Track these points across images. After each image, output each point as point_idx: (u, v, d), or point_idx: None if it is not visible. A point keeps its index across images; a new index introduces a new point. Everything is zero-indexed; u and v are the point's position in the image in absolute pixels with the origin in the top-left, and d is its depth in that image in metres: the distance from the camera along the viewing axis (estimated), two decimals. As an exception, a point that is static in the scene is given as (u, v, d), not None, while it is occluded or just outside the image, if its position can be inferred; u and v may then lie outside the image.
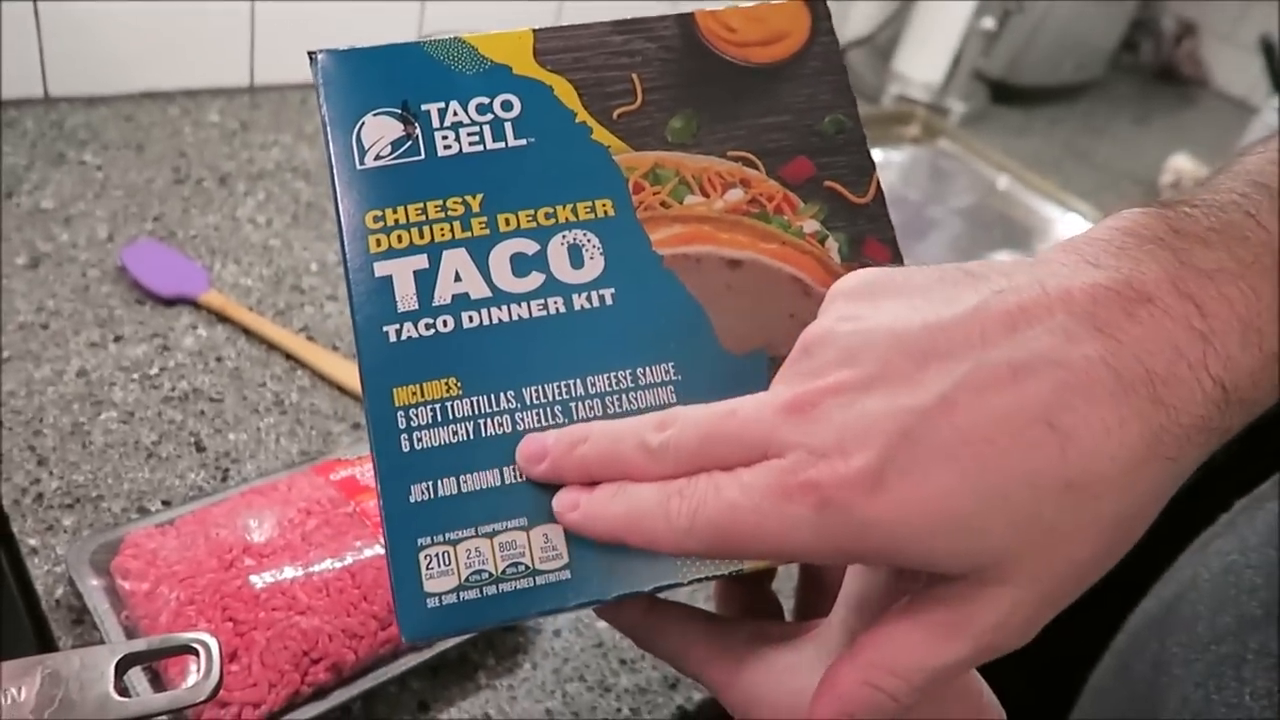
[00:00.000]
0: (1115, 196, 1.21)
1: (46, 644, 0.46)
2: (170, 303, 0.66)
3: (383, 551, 0.48)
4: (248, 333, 0.65)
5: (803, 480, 0.24)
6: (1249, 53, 1.35)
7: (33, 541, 0.50)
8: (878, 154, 1.19)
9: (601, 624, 0.53)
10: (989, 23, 1.21)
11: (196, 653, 0.32)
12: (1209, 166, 1.19)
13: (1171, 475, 0.24)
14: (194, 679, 0.33)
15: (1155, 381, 0.23)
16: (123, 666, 0.31)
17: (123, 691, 0.31)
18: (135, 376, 0.60)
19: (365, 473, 0.52)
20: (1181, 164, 1.17)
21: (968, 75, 1.26)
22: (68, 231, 0.69)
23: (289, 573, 0.46)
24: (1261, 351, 0.24)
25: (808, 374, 0.26)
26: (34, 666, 0.30)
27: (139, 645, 0.32)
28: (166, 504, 0.53)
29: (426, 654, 0.47)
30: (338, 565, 0.47)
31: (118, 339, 0.62)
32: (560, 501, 0.30)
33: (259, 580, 0.45)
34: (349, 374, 0.63)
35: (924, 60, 1.25)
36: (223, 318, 0.66)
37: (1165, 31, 1.60)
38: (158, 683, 0.43)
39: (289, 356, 0.64)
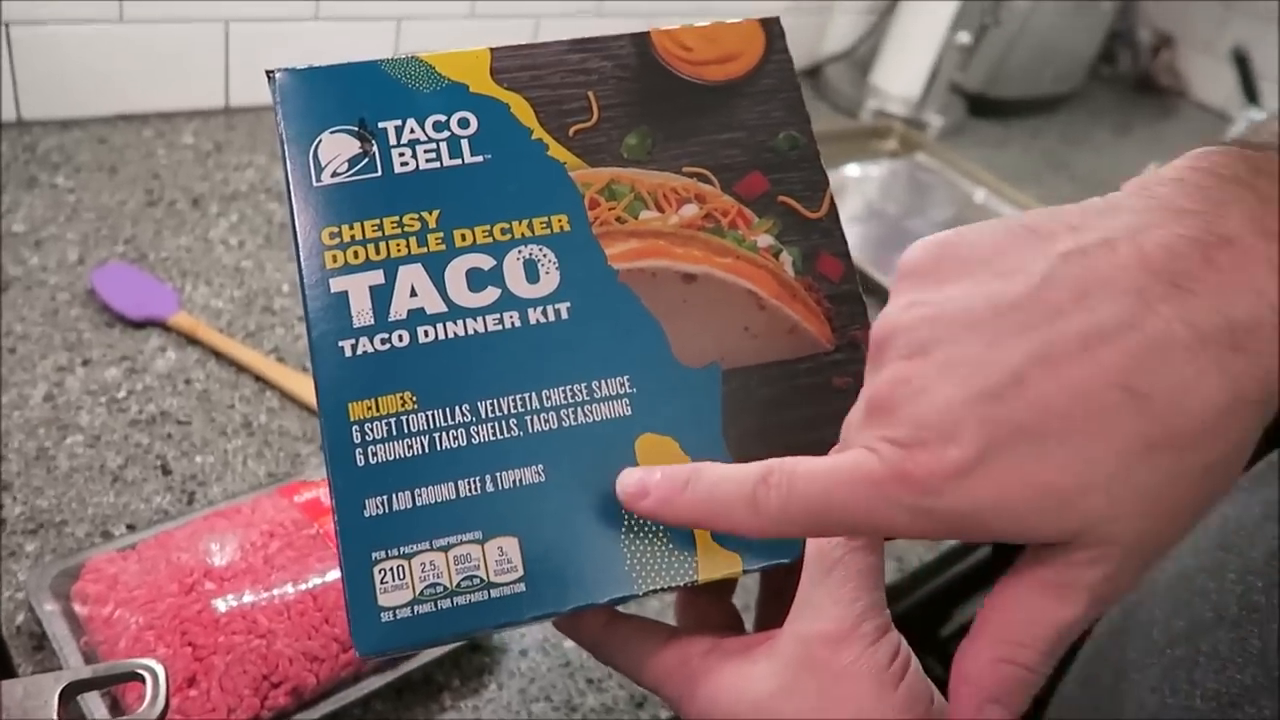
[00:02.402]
0: (1093, 207, 1.22)
1: (6, 670, 0.46)
2: (140, 325, 0.66)
3: (345, 573, 0.48)
4: (217, 355, 0.65)
5: (894, 470, 0.25)
6: (1226, 63, 1.36)
7: (-5, 567, 0.50)
8: (856, 168, 1.20)
9: (569, 644, 0.53)
10: (965, 37, 1.22)
11: (144, 679, 0.32)
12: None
13: (1259, 417, 0.24)
14: (143, 706, 0.33)
15: (1235, 329, 0.23)
16: (68, 694, 0.31)
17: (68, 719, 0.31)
18: (103, 400, 0.60)
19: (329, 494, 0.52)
20: (1158, 175, 1.18)
21: (945, 89, 1.26)
22: (38, 255, 0.69)
23: (250, 596, 0.46)
24: None
25: (883, 370, 0.26)
26: (-24, 696, 0.30)
27: (84, 673, 0.32)
28: (131, 528, 0.53)
29: (390, 675, 0.47)
30: (300, 588, 0.47)
31: (86, 362, 0.62)
32: (626, 489, 0.30)
33: (220, 604, 0.45)
34: (318, 395, 0.63)
35: (902, 74, 1.26)
36: (192, 340, 0.66)
37: (1142, 43, 1.61)
38: (116, 709, 0.43)
39: (258, 378, 0.64)
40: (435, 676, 0.50)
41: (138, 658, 0.42)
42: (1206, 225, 0.23)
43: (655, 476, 0.30)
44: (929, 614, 0.77)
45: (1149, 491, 0.23)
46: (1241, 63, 1.27)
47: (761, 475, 0.27)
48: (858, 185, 1.17)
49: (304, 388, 0.63)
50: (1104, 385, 0.23)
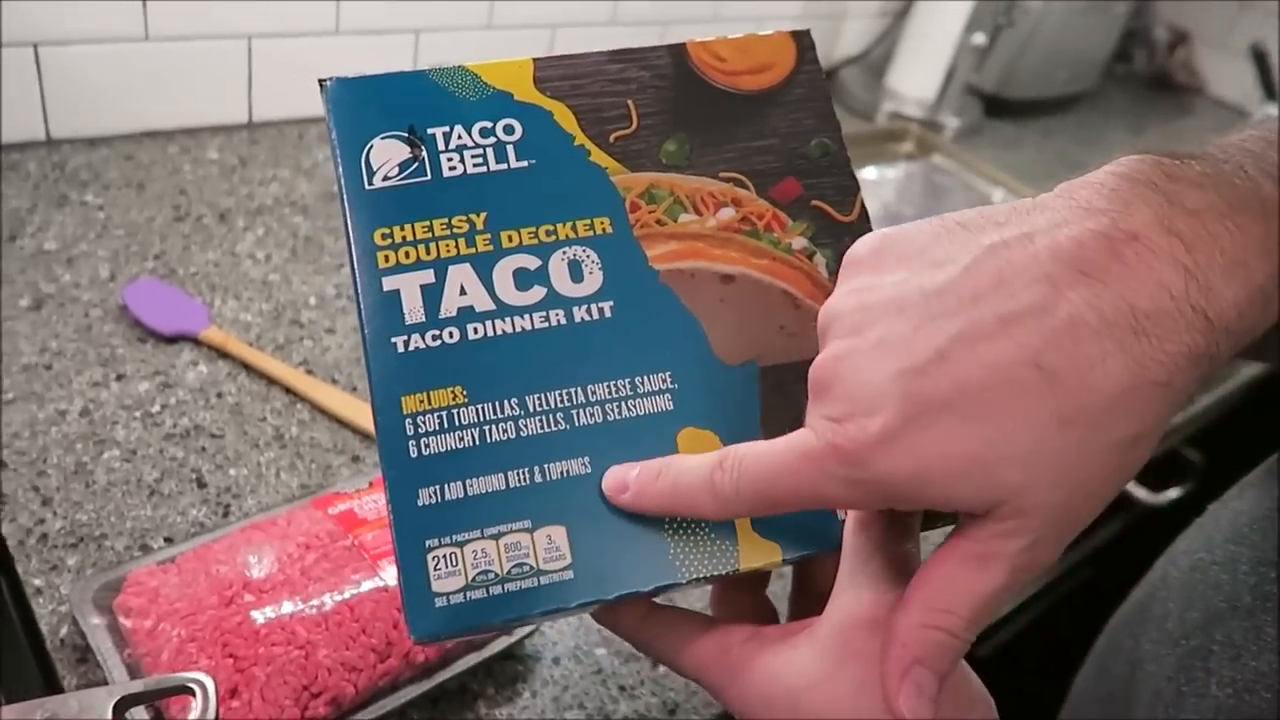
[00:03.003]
0: (1111, 207, 1.21)
1: (51, 683, 0.47)
2: (171, 340, 0.67)
3: (381, 585, 0.48)
4: (248, 368, 0.66)
5: (826, 445, 0.27)
6: (1243, 59, 1.36)
7: (38, 582, 0.50)
8: (872, 171, 1.20)
9: (601, 651, 0.54)
10: (980, 38, 1.22)
11: (194, 692, 0.33)
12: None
13: (1165, 399, 0.26)
14: (193, 717, 0.34)
15: (1138, 315, 0.25)
16: (121, 707, 0.32)
17: (122, 732, 0.32)
18: (137, 414, 0.61)
19: (363, 506, 0.53)
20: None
21: (960, 90, 1.27)
22: (70, 272, 0.70)
23: (288, 608, 0.47)
24: (1247, 284, 0.26)
25: (824, 352, 0.29)
26: (34, 710, 0.31)
27: (136, 687, 0.33)
28: (169, 541, 0.54)
29: (426, 685, 0.48)
30: (336, 599, 0.48)
31: (120, 377, 0.63)
32: (610, 485, 0.32)
33: (259, 616, 0.46)
34: (348, 407, 0.64)
35: (917, 77, 1.26)
36: (223, 354, 0.67)
37: (1158, 40, 1.61)
38: (160, 719, 0.44)
39: (289, 390, 0.65)
40: (470, 685, 0.51)
41: (182, 670, 0.43)
42: (1114, 222, 0.26)
43: (633, 473, 0.32)
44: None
45: (1063, 464, 0.25)
46: (1260, 59, 1.27)
47: (717, 460, 0.30)
48: (874, 188, 1.18)
49: (333, 400, 0.64)
50: (1019, 363, 0.25)
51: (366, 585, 0.48)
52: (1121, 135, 1.44)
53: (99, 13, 0.79)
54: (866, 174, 1.17)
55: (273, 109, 0.92)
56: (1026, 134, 1.35)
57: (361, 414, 0.63)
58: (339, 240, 0.80)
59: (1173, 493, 0.85)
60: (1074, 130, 1.40)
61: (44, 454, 0.57)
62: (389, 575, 0.49)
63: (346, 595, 0.48)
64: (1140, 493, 0.91)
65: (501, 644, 0.50)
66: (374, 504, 0.53)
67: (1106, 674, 0.45)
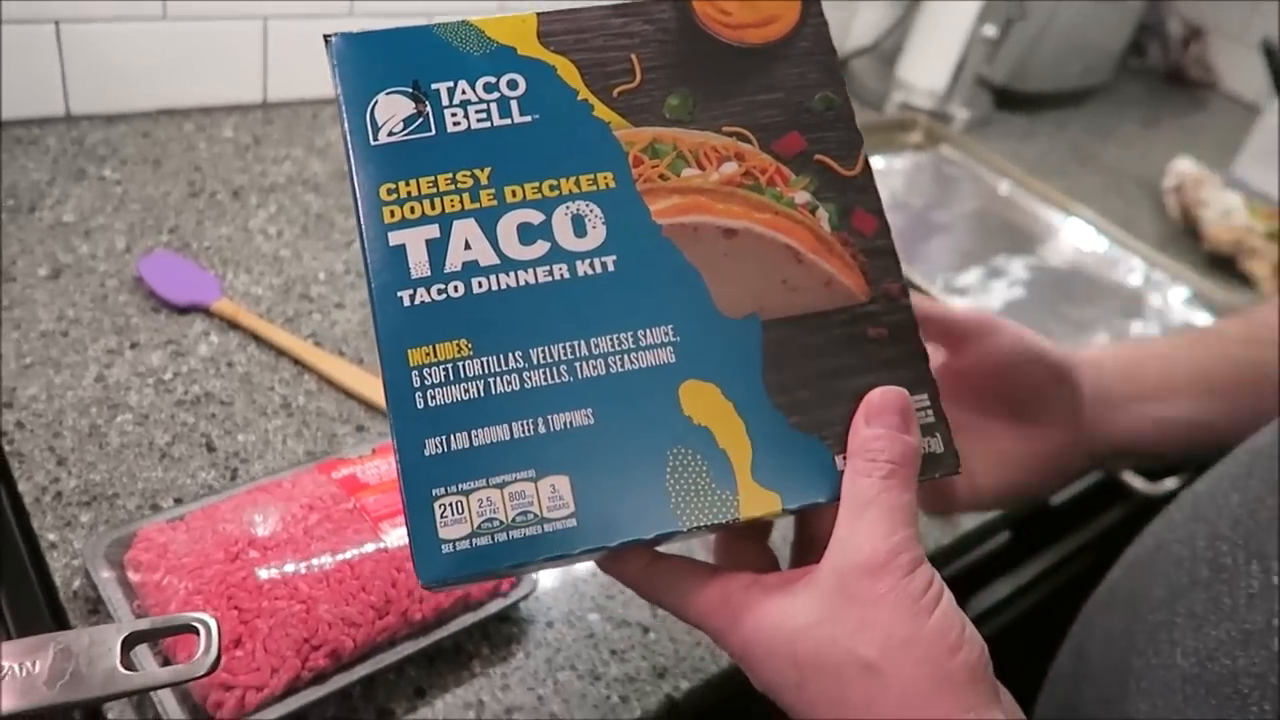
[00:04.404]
0: (1120, 199, 1.22)
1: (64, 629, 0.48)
2: (184, 311, 0.68)
3: (381, 546, 0.50)
4: (257, 339, 0.68)
5: None
6: (1257, 55, 1.36)
7: (52, 536, 0.52)
8: (880, 161, 1.20)
9: (593, 616, 0.55)
10: (991, 31, 1.22)
11: (197, 631, 0.35)
12: (1214, 170, 1.20)
13: None
14: (197, 655, 0.35)
15: None
16: (129, 644, 0.34)
17: (129, 667, 0.34)
18: (150, 381, 0.63)
19: (366, 471, 0.55)
20: (1184, 167, 1.18)
21: (971, 82, 1.27)
22: (87, 244, 0.72)
23: (291, 565, 0.48)
24: None
25: None
26: (47, 643, 0.33)
27: (143, 624, 0.34)
28: (178, 501, 0.56)
29: (423, 642, 0.49)
30: (338, 558, 0.49)
31: (134, 346, 0.65)
32: None
33: (263, 572, 0.48)
34: (354, 378, 0.65)
35: (927, 68, 1.27)
36: (234, 325, 0.68)
37: (1172, 35, 1.61)
38: (166, 666, 0.45)
39: (297, 361, 0.67)
40: (465, 645, 0.52)
41: (187, 619, 0.45)
42: None
43: None
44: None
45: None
46: (1271, 55, 1.27)
47: None
48: (883, 178, 1.18)
49: (340, 371, 0.66)
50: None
51: (367, 546, 0.50)
52: (1134, 128, 1.44)
53: (119, -8, 0.81)
54: (874, 163, 1.17)
55: (287, 89, 0.94)
56: (1037, 126, 1.35)
57: (367, 385, 0.65)
58: (349, 218, 0.82)
59: (1169, 483, 0.86)
60: (1086, 123, 1.41)
61: (60, 417, 0.59)
62: (389, 537, 0.51)
63: (348, 555, 0.49)
64: (1138, 483, 0.92)
65: (497, 605, 0.52)
66: (376, 469, 0.55)
67: (1081, 653, 0.46)
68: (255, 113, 0.92)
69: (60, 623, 0.49)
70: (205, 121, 0.89)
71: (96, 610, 0.49)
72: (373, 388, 0.65)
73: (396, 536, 0.51)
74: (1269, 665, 0.33)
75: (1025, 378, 0.48)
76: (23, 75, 0.80)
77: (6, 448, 0.56)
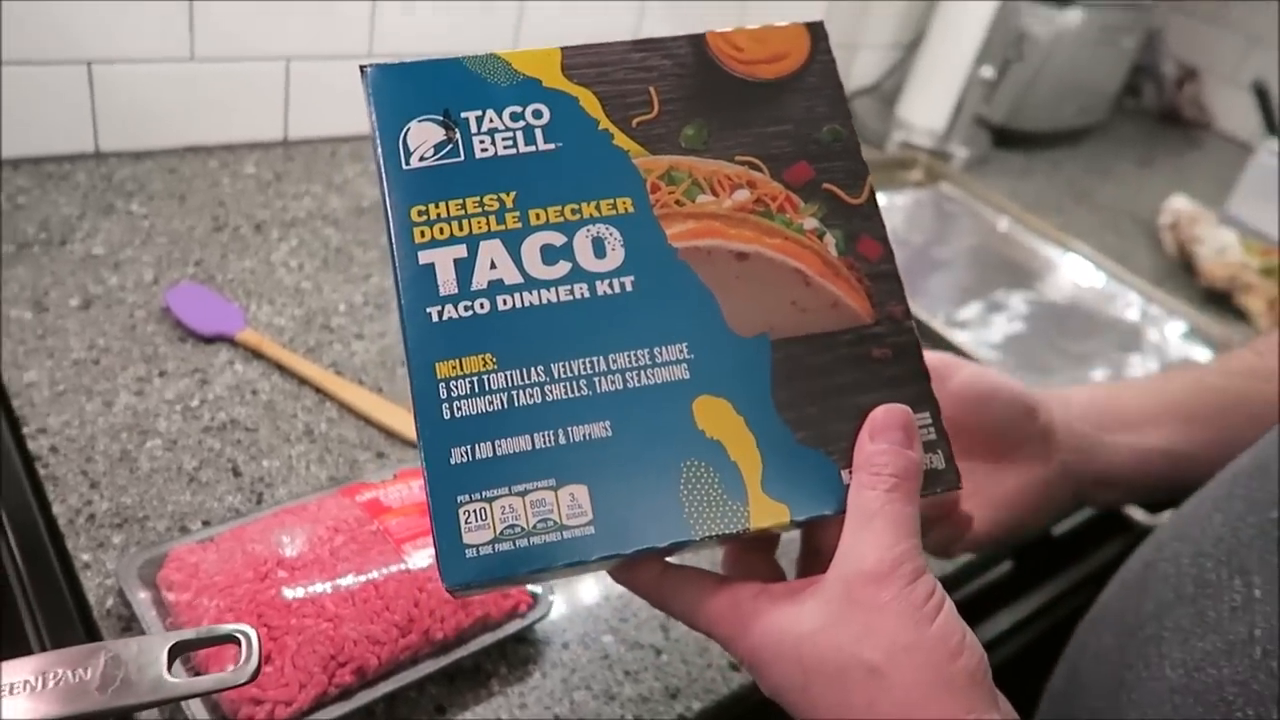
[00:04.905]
0: (1116, 236, 1.25)
1: (97, 650, 0.50)
2: (210, 341, 0.71)
3: (404, 567, 0.52)
4: (280, 368, 0.70)
5: None
6: (1250, 95, 1.39)
7: (85, 557, 0.54)
8: (882, 197, 1.23)
9: (608, 638, 0.57)
10: (989, 72, 1.26)
11: (239, 642, 0.36)
12: (1208, 207, 1.23)
13: None
14: (239, 664, 0.37)
15: None
16: (175, 652, 0.35)
17: (174, 676, 0.35)
18: (178, 408, 0.65)
19: (388, 495, 0.57)
20: (1180, 205, 1.21)
21: (970, 121, 1.30)
22: (116, 275, 0.74)
23: (318, 584, 0.50)
24: None
25: None
26: (98, 651, 0.34)
27: (188, 634, 0.36)
28: (206, 523, 0.58)
29: (443, 661, 0.51)
30: (362, 578, 0.51)
31: (162, 374, 0.67)
32: None
33: (290, 591, 0.50)
34: (374, 406, 0.67)
35: (927, 107, 1.30)
36: (258, 354, 0.70)
37: (1167, 76, 1.64)
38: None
39: (318, 390, 0.69)
40: (484, 665, 0.54)
41: (220, 636, 0.46)
42: None
43: None
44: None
45: None
46: (1261, 95, 1.30)
47: None
48: (885, 214, 1.20)
49: (361, 399, 0.68)
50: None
51: (391, 567, 0.52)
52: (1130, 167, 1.47)
53: (148, 34, 0.84)
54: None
55: (308, 128, 0.97)
56: (1034, 164, 1.38)
57: (386, 413, 0.67)
58: (368, 252, 0.84)
59: (1169, 515, 0.88)
60: (1083, 161, 1.44)
61: (92, 442, 0.61)
62: (412, 559, 0.52)
63: (372, 575, 0.51)
64: (1138, 515, 0.94)
65: (514, 626, 0.53)
66: (399, 494, 0.57)
67: (1075, 671, 0.48)
68: (276, 150, 0.95)
69: (94, 640, 0.50)
70: (229, 158, 0.92)
71: (129, 628, 0.51)
72: (392, 415, 0.67)
73: (419, 558, 0.52)
74: (1251, 673, 0.35)
75: (992, 414, 0.49)
76: (55, 113, 0.83)
77: (41, 471, 0.58)
